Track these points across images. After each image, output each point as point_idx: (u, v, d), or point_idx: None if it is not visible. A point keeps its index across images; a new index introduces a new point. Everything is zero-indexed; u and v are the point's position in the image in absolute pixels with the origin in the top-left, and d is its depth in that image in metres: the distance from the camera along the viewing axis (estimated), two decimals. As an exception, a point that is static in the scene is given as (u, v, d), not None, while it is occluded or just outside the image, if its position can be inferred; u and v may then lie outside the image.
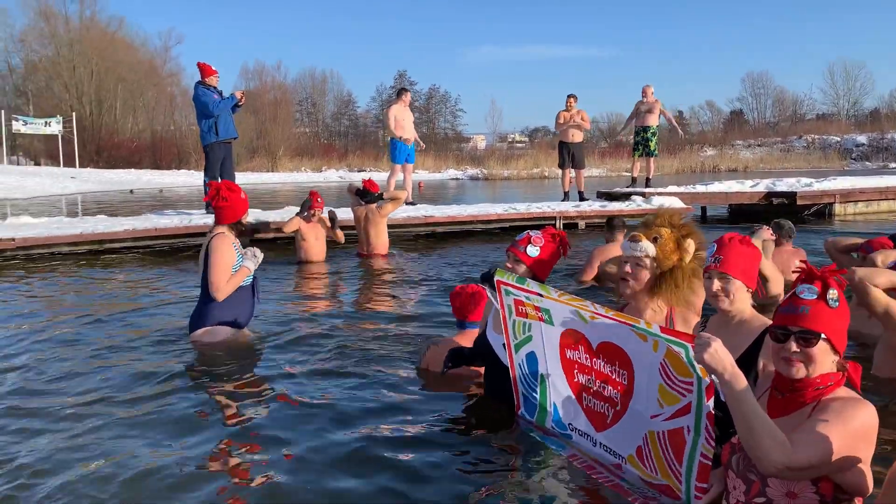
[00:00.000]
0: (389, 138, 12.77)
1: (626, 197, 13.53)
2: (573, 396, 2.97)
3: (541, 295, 2.98)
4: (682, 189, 14.35)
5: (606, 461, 2.82)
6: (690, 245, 3.14)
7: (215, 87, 10.55)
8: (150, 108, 49.00)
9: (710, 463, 2.40)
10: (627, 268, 3.18)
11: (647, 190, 13.99)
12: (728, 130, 65.47)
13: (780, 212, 13.43)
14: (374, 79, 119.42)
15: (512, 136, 72.51)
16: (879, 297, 3.64)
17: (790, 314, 2.14)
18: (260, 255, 4.83)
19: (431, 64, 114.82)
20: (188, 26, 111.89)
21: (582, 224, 12.12)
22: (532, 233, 3.55)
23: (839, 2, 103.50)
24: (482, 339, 3.52)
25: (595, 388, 2.85)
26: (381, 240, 8.96)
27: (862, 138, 56.01)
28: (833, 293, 2.13)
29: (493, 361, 3.42)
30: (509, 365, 3.25)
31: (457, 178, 42.27)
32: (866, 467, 2.07)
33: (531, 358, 3.14)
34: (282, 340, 4.91)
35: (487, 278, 3.22)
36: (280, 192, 26.17)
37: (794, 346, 2.11)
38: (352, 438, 3.24)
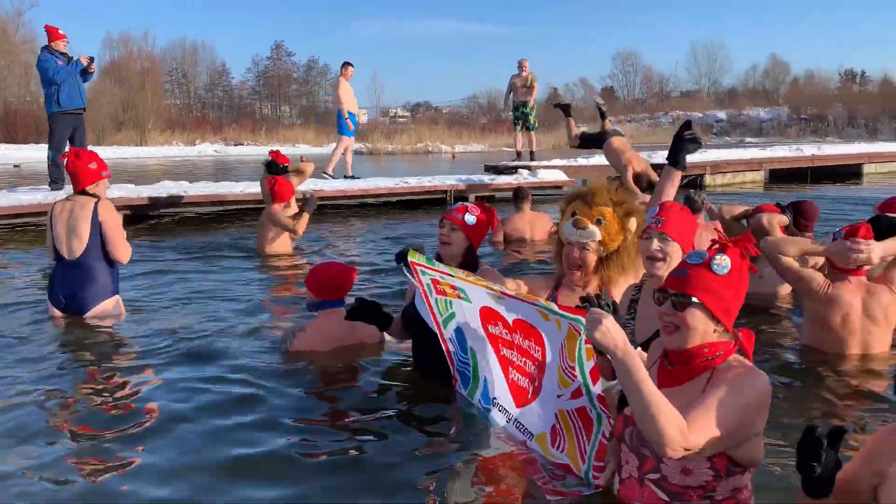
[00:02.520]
0: (339, 111, 12.72)
1: (512, 171, 13.76)
2: (500, 370, 2.96)
3: (451, 275, 2.99)
4: (565, 162, 14.73)
5: (516, 438, 2.83)
6: (633, 223, 3.10)
7: (63, 53, 9.73)
8: (2, 76, 44.93)
9: (608, 442, 2.39)
10: (575, 253, 3.09)
11: (533, 163, 14.27)
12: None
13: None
14: (248, 49, 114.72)
15: (394, 110, 72.06)
16: (791, 265, 3.77)
17: (672, 277, 2.08)
18: None
19: (310, 35, 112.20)
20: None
21: (471, 198, 12.21)
22: (466, 203, 3.57)
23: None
24: (411, 310, 3.44)
25: (518, 363, 2.85)
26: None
27: (722, 114, 59.75)
28: (722, 259, 2.02)
29: (423, 332, 3.35)
30: (441, 340, 3.21)
31: (339, 153, 41.54)
32: (760, 438, 2.04)
33: (458, 333, 3.12)
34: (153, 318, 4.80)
35: (402, 257, 3.18)
36: (150, 168, 24.63)
37: (666, 310, 2.04)
38: (274, 433, 3.12)
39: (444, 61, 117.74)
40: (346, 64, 13.04)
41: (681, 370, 2.07)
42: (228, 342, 4.26)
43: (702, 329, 2.02)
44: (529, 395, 2.79)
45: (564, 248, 3.15)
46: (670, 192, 3.45)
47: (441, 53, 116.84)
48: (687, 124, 3.55)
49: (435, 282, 3.10)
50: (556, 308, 2.54)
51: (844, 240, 3.64)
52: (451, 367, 3.25)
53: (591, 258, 3.09)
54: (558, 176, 13.12)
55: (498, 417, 2.95)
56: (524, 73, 14.23)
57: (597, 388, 2.41)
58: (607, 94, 69.43)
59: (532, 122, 14.51)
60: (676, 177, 3.47)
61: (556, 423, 2.63)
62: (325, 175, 12.29)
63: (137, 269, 6.17)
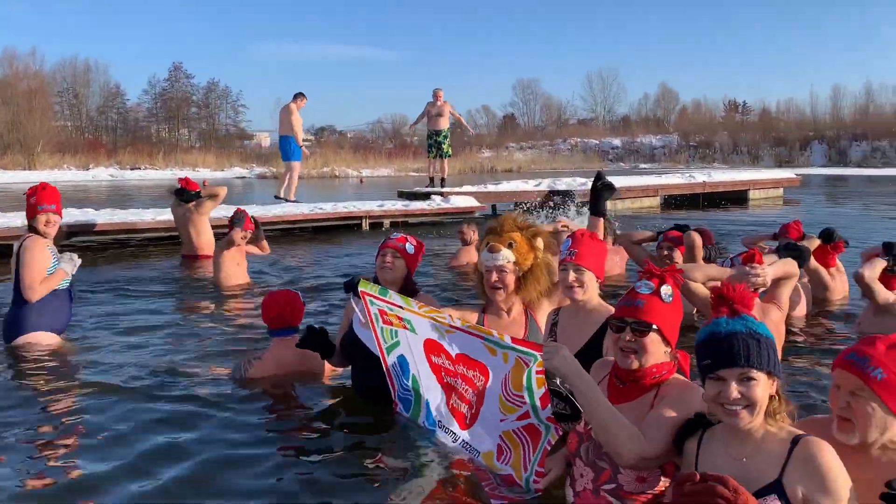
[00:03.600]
0: (288, 137, 13.28)
1: (426, 196, 14.04)
2: (442, 396, 3.12)
3: (401, 307, 3.14)
4: (476, 189, 15.15)
5: (462, 454, 2.99)
6: (540, 242, 3.41)
7: None
8: None
9: (550, 449, 2.59)
10: (494, 277, 3.35)
11: (445, 189, 14.61)
12: (502, 133, 69.63)
13: (563, 208, 14.69)
14: (145, 70, 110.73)
15: (298, 134, 71.27)
16: (699, 290, 4.12)
17: (627, 306, 2.31)
18: (78, 260, 4.77)
19: (210, 57, 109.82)
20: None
21: (386, 223, 12.38)
22: (402, 234, 3.81)
23: (598, 13, 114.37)
24: (350, 337, 3.57)
25: (460, 390, 3.01)
26: (203, 239, 8.60)
27: (617, 141, 62.46)
28: (666, 289, 2.30)
29: (363, 358, 3.49)
30: (384, 365, 3.35)
31: (243, 177, 40.80)
32: None
33: (402, 360, 3.26)
34: (97, 352, 4.71)
35: (352, 287, 3.32)
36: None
37: (628, 336, 2.27)
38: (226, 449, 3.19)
39: (346, 85, 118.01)
40: (300, 95, 13.36)
41: (631, 388, 2.33)
42: (184, 371, 4.27)
43: (658, 351, 2.30)
44: (468, 421, 2.97)
45: (484, 275, 3.41)
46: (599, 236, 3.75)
47: (343, 78, 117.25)
48: (599, 175, 3.89)
49: (382, 312, 3.25)
50: (507, 342, 2.66)
51: (743, 265, 4.02)
52: (392, 392, 3.39)
53: (510, 278, 3.37)
54: (470, 202, 13.55)
55: (444, 438, 3.10)
56: (439, 103, 14.59)
57: (546, 412, 2.58)
58: (509, 121, 71.47)
59: (446, 149, 14.88)
60: (600, 223, 3.80)
61: (502, 443, 2.80)
62: (287, 201, 12.62)
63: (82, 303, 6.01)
